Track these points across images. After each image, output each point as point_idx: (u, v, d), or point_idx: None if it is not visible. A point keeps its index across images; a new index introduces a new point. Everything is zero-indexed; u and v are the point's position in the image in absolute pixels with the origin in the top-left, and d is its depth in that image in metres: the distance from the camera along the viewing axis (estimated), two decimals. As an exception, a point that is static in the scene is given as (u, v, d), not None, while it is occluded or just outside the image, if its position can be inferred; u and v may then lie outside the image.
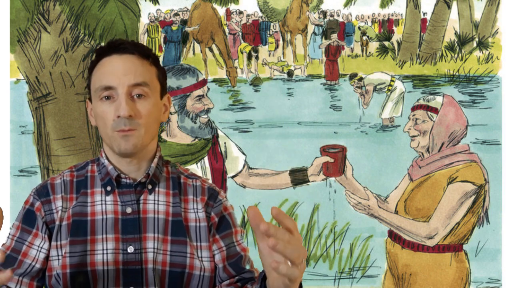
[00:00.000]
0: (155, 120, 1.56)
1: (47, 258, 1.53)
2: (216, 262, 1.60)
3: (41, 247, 1.53)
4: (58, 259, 1.51)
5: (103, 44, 3.28)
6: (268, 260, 1.18)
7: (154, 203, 1.57)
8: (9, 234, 1.58)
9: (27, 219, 1.56)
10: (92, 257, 1.50)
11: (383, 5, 3.34)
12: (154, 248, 1.52)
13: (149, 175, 1.58)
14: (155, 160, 1.60)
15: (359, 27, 3.44)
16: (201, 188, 1.65)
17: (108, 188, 1.56)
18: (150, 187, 1.58)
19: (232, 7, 3.38)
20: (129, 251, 1.51)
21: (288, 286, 1.18)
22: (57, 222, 1.54)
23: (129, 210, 1.54)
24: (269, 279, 1.23)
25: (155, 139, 1.61)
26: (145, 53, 1.57)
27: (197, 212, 1.61)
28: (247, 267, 1.63)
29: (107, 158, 1.59)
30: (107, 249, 1.50)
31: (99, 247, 1.51)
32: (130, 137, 1.50)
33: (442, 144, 3.18)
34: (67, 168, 1.66)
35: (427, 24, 3.38)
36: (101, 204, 1.55)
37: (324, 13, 3.40)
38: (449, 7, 3.36)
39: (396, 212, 3.22)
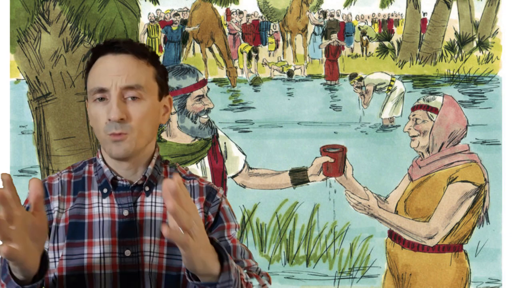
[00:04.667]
0: (150, 123, 1.52)
1: None
2: None
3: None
4: (55, 262, 1.50)
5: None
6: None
7: (151, 205, 1.55)
8: None
9: None
10: (89, 261, 1.48)
11: (383, 5, 3.34)
12: (150, 252, 1.50)
13: (146, 177, 1.56)
14: (153, 161, 1.57)
15: (359, 27, 3.44)
16: (199, 188, 1.63)
17: (105, 191, 1.54)
18: (147, 189, 1.56)
19: (232, 7, 3.38)
20: (126, 254, 1.49)
21: (191, 257, 1.23)
22: (54, 223, 1.52)
23: (126, 212, 1.52)
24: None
25: (152, 141, 1.58)
26: (142, 53, 1.52)
27: None
28: (239, 257, 1.59)
29: (104, 160, 1.57)
30: (104, 253, 1.48)
31: (96, 250, 1.49)
32: (121, 143, 1.47)
33: (442, 144, 3.17)
34: (65, 168, 1.64)
35: (427, 24, 3.38)
36: (98, 206, 1.53)
37: (324, 13, 3.40)
38: (449, 7, 3.36)
39: (396, 212, 3.22)
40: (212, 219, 1.60)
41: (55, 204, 1.55)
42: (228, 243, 1.60)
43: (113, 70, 1.47)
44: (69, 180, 1.59)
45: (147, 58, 1.53)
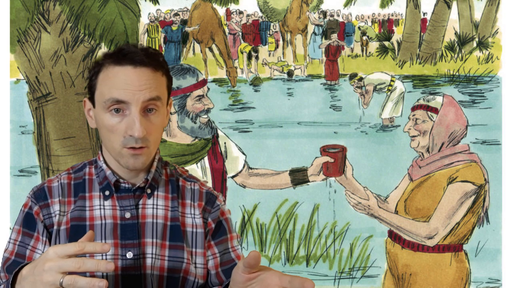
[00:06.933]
0: (162, 131, 1.55)
1: None
2: (209, 268, 1.59)
3: (43, 251, 1.51)
4: None
5: (103, 44, 3.30)
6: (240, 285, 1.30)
7: (153, 208, 1.55)
8: (10, 238, 1.55)
9: (27, 222, 1.53)
10: None
11: (383, 5, 3.34)
12: (152, 254, 1.51)
13: (148, 180, 1.56)
14: (154, 164, 1.57)
15: (359, 27, 3.43)
16: (199, 192, 1.63)
17: (107, 193, 1.54)
18: (149, 191, 1.56)
19: (232, 7, 3.37)
20: (128, 256, 1.49)
21: None
22: (55, 227, 1.51)
23: (128, 215, 1.52)
24: None
25: None
26: (159, 65, 1.51)
27: (194, 217, 1.59)
28: None
29: (105, 162, 1.56)
30: (106, 255, 1.48)
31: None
32: (139, 156, 1.48)
33: (442, 144, 3.18)
34: (64, 170, 1.63)
35: (427, 24, 3.38)
36: (100, 208, 1.53)
37: (324, 13, 3.40)
38: (449, 7, 3.36)
39: (396, 212, 3.22)
40: (213, 226, 1.61)
41: (56, 208, 1.54)
42: (232, 256, 1.63)
43: (135, 85, 1.45)
44: (69, 182, 1.58)
45: (163, 69, 1.53)
